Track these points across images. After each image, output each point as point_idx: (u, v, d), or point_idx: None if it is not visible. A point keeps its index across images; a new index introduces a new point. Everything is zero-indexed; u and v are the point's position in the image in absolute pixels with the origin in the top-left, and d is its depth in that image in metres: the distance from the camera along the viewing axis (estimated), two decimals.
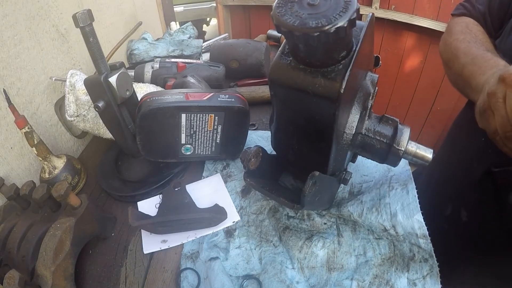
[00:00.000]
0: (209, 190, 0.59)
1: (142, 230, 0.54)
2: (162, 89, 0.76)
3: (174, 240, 0.52)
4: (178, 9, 2.88)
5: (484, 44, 0.53)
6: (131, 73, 0.82)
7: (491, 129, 0.37)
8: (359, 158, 0.56)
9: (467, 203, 0.56)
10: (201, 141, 0.58)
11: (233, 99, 0.55)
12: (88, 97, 0.59)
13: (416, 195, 0.45)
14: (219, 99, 0.55)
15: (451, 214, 0.47)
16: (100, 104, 0.49)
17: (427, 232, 0.43)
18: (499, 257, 0.52)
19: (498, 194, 0.43)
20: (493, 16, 0.57)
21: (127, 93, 0.53)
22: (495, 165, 0.43)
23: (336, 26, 0.29)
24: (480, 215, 0.53)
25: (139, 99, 0.56)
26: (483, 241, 0.54)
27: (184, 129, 0.55)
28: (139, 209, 0.57)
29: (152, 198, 0.59)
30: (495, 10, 0.57)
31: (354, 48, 0.35)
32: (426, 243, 0.43)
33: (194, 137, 0.57)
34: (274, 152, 0.51)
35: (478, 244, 0.55)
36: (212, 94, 0.55)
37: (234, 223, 0.54)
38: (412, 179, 0.48)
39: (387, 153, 0.42)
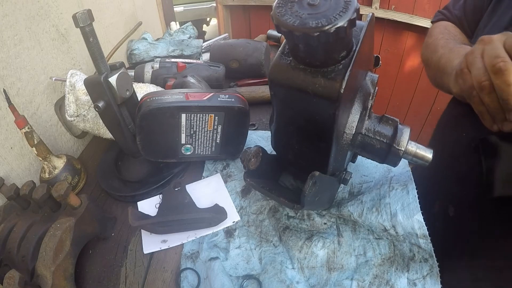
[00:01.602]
0: (209, 190, 0.59)
1: (142, 230, 0.54)
2: (162, 89, 0.76)
3: (174, 240, 0.52)
4: (178, 9, 2.88)
5: (463, 42, 0.56)
6: (131, 73, 0.82)
7: (467, 87, 0.38)
8: (359, 158, 0.56)
9: (454, 197, 0.57)
10: (201, 141, 0.58)
11: (233, 99, 0.55)
12: (88, 97, 0.59)
13: (416, 195, 0.45)
14: (219, 99, 0.55)
15: (439, 211, 0.48)
16: (100, 104, 0.49)
17: (427, 232, 0.43)
18: (489, 249, 0.53)
19: (484, 166, 0.43)
20: (468, 19, 0.61)
21: (127, 93, 0.53)
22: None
23: (336, 26, 0.29)
24: (468, 208, 0.54)
25: (139, 99, 0.56)
26: (472, 234, 0.55)
27: (184, 129, 0.55)
28: (139, 209, 0.57)
29: (152, 198, 0.59)
30: (470, 13, 0.61)
31: (354, 48, 0.35)
32: (426, 243, 0.43)
33: (194, 137, 0.57)
34: (274, 152, 0.51)
35: (467, 238, 0.56)
36: (212, 94, 0.55)
37: (234, 223, 0.54)
38: (412, 179, 0.48)
39: (387, 153, 0.42)
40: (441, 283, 0.41)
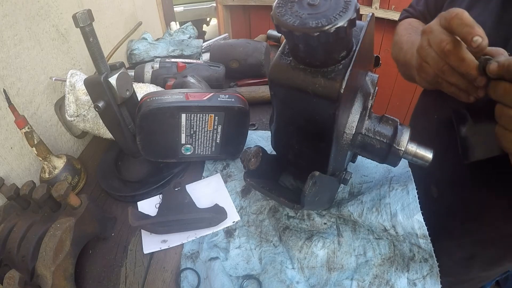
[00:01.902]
0: (209, 190, 0.59)
1: (142, 230, 0.54)
2: (162, 89, 0.76)
3: (174, 240, 0.52)
4: (178, 9, 2.88)
5: None
6: (131, 73, 0.82)
7: (431, 77, 0.41)
8: (359, 158, 0.56)
9: (435, 178, 0.60)
10: (201, 141, 0.58)
11: (233, 99, 0.55)
12: (88, 97, 0.59)
13: (416, 195, 0.45)
14: (219, 99, 0.55)
15: (423, 194, 0.50)
16: (100, 104, 0.49)
17: (427, 232, 0.43)
18: (478, 224, 0.55)
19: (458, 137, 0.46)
20: (431, 12, 0.64)
21: (127, 93, 0.53)
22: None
23: (336, 26, 0.29)
24: (450, 188, 0.55)
25: (139, 99, 0.56)
26: (458, 213, 0.57)
27: (184, 129, 0.55)
28: (139, 209, 0.57)
29: (152, 198, 0.59)
30: (432, 7, 0.64)
31: (354, 48, 0.35)
32: (426, 243, 0.43)
33: (194, 137, 0.57)
34: (274, 152, 0.51)
35: (455, 217, 0.57)
36: (212, 94, 0.55)
37: (234, 223, 0.54)
38: (412, 179, 0.48)
39: (387, 153, 0.42)
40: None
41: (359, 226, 0.49)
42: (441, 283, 0.42)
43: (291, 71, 0.36)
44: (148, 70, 0.80)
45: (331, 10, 0.30)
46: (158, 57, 0.92)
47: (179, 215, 0.52)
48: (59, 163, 0.61)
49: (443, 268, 0.43)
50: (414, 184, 0.47)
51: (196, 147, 0.59)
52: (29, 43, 0.61)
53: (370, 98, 0.42)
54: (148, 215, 0.52)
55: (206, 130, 0.56)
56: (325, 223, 0.51)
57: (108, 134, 0.63)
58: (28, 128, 0.55)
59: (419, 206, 0.44)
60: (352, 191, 0.55)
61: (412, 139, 0.42)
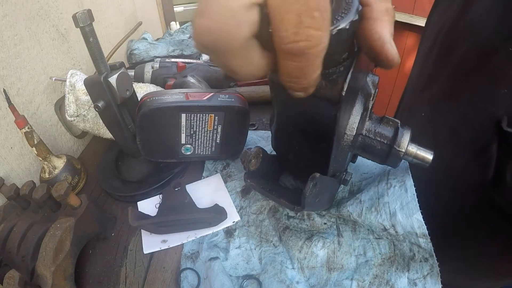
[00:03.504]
0: (209, 190, 0.59)
1: (142, 230, 0.54)
2: (162, 89, 0.76)
3: (174, 240, 0.52)
4: (178, 9, 2.87)
5: None
6: (131, 73, 0.82)
7: None
8: (359, 157, 0.56)
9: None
10: (201, 141, 0.58)
11: (233, 99, 0.55)
12: (88, 97, 0.59)
13: (415, 194, 0.45)
14: (219, 99, 0.55)
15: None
16: (100, 104, 0.49)
17: (427, 232, 0.43)
18: (457, 238, 0.55)
19: (497, 166, 0.43)
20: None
21: (127, 93, 0.53)
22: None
23: (338, 28, 0.29)
24: (427, 190, 0.55)
25: (139, 99, 0.56)
26: (438, 216, 0.56)
27: (184, 129, 0.55)
28: (139, 209, 0.57)
29: (152, 198, 0.59)
30: None
31: (355, 50, 0.35)
32: (426, 243, 0.43)
33: (194, 137, 0.57)
34: (274, 152, 0.51)
35: (435, 220, 0.57)
36: (212, 94, 0.55)
37: (234, 223, 0.54)
38: (410, 174, 0.48)
39: (387, 154, 0.42)
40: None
41: (359, 226, 0.49)
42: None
43: None
44: (148, 70, 0.80)
45: (332, 12, 0.30)
46: (158, 57, 0.92)
47: (179, 215, 0.52)
48: (59, 163, 0.61)
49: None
50: (412, 180, 0.47)
51: (196, 147, 0.59)
52: (29, 43, 0.61)
53: (371, 99, 0.42)
54: (148, 215, 0.52)
55: (206, 130, 0.56)
56: (325, 223, 0.51)
57: (108, 134, 0.63)
58: (28, 128, 0.55)
59: (418, 205, 0.44)
60: (352, 189, 0.55)
61: (413, 140, 0.42)
